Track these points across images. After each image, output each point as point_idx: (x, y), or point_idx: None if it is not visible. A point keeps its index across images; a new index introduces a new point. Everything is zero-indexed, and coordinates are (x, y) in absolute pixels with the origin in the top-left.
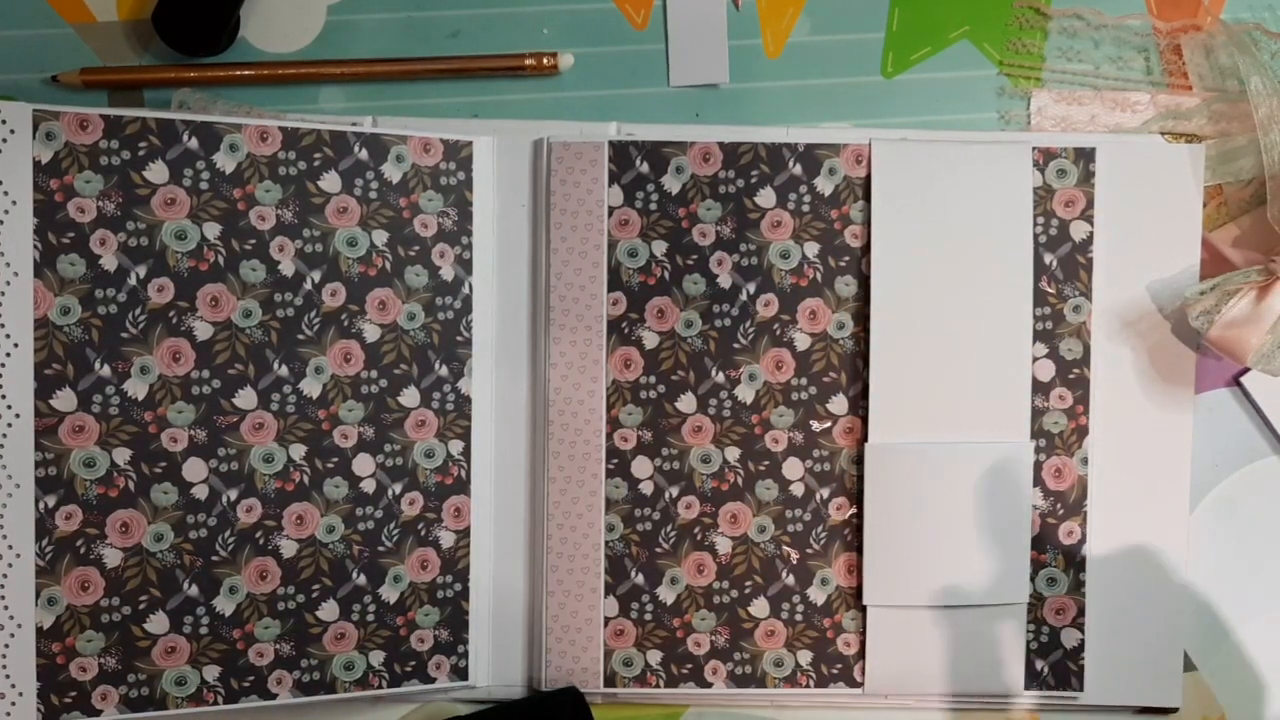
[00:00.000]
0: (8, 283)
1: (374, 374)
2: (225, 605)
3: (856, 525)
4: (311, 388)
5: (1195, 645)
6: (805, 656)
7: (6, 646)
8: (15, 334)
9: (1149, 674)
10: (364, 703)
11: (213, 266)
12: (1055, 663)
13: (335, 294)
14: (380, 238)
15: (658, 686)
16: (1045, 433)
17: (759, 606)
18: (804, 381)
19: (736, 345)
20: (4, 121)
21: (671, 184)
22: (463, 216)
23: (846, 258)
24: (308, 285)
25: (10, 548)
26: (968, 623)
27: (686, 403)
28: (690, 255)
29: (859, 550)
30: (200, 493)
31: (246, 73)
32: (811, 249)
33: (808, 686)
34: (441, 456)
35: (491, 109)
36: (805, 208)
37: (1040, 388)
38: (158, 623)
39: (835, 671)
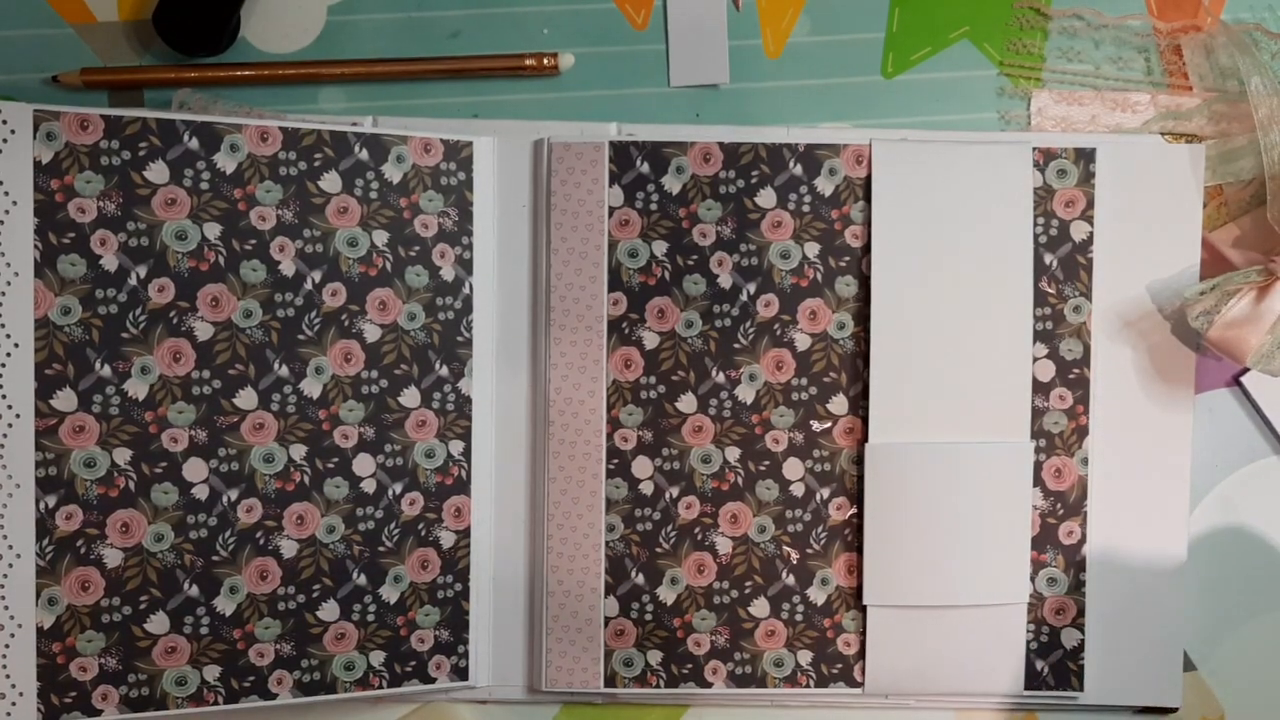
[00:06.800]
0: (8, 283)
1: (374, 374)
2: (225, 605)
3: (856, 525)
4: (312, 388)
5: (1195, 645)
6: (805, 656)
7: (7, 646)
8: (15, 334)
9: (1149, 674)
10: (364, 703)
11: (213, 266)
12: (1055, 663)
13: (335, 294)
14: (380, 238)
15: (658, 687)
16: (1045, 433)
17: (759, 606)
18: (804, 382)
19: (737, 345)
20: (4, 122)
21: (672, 184)
22: (463, 216)
23: (846, 258)
24: (308, 285)
25: (10, 548)
26: (968, 623)
27: (687, 403)
28: (690, 255)
29: (859, 550)
30: (200, 493)
31: (246, 73)
32: (812, 249)
33: (808, 686)
34: (442, 456)
35: (492, 109)
36: (805, 208)
37: (1040, 388)
38: (158, 623)
39: (835, 671)
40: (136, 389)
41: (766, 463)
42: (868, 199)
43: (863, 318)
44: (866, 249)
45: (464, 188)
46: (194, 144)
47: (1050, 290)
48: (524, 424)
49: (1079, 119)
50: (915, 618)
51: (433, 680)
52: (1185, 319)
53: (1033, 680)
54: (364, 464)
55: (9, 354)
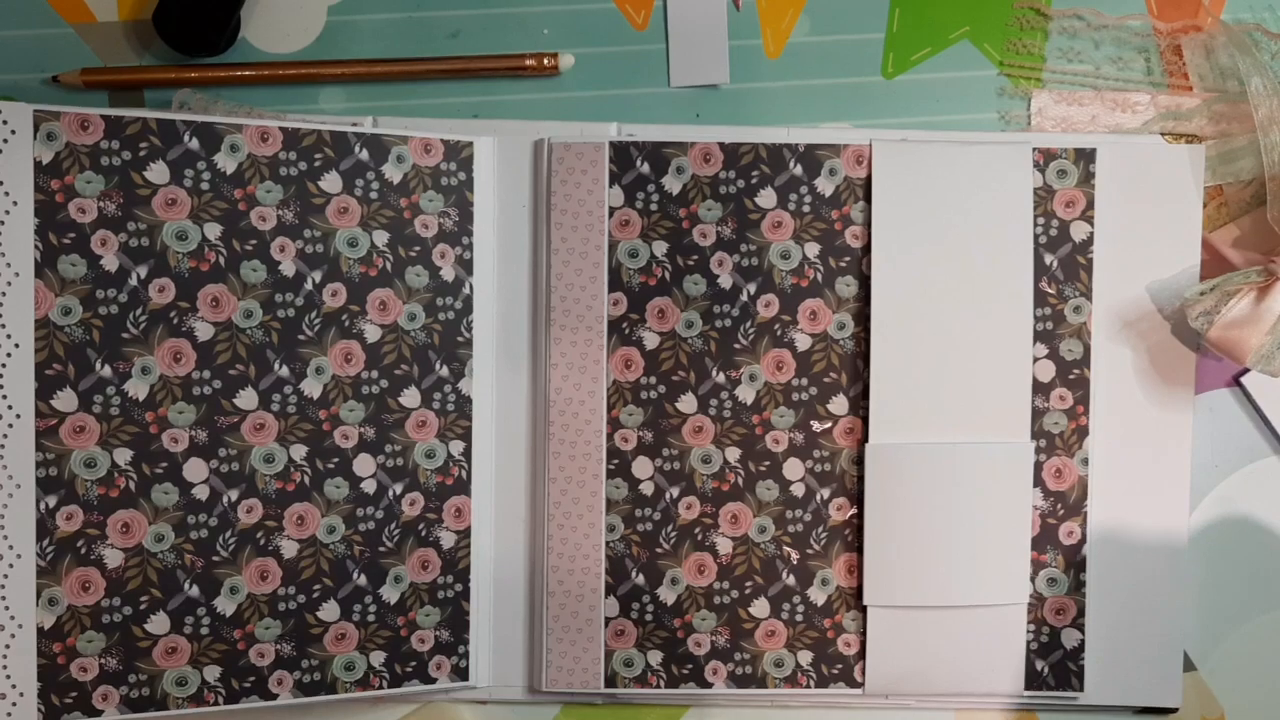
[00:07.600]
0: (9, 283)
1: (375, 374)
2: (226, 605)
3: (857, 525)
4: (312, 388)
5: (1195, 645)
6: (806, 657)
7: (7, 647)
8: (16, 334)
9: (1149, 674)
10: (364, 703)
11: (213, 267)
12: (1055, 663)
13: (336, 294)
14: (381, 238)
15: (658, 687)
16: (1045, 433)
17: (759, 607)
18: (804, 382)
19: (737, 346)
20: (5, 122)
21: (672, 184)
22: (463, 217)
23: (847, 258)
24: (308, 285)
25: (11, 548)
26: (968, 623)
27: (687, 403)
28: (691, 256)
29: (859, 550)
30: (201, 493)
31: (247, 73)
32: (812, 249)
33: (808, 687)
34: (442, 457)
35: (492, 109)
36: (806, 208)
37: (1040, 388)
38: (158, 623)
39: (835, 672)
40: (137, 389)
41: (767, 463)
42: (868, 199)
43: (863, 318)
44: (866, 249)
45: (464, 188)
46: (194, 144)
47: (1050, 290)
48: (524, 424)
49: (1079, 119)
50: (915, 618)
51: (433, 680)
52: (1185, 319)
53: (1033, 680)
54: (364, 464)
55: (9, 354)
